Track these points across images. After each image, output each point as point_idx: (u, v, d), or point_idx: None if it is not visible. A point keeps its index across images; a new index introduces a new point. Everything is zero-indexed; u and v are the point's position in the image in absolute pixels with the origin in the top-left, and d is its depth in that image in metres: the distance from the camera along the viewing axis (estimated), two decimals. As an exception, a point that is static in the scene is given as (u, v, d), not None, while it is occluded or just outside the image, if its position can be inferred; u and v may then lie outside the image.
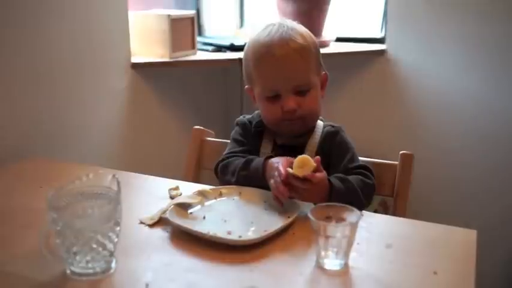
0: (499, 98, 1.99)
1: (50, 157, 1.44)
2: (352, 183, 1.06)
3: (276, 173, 1.01)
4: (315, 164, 0.99)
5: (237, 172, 1.13)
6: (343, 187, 1.04)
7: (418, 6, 2.05)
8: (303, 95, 1.13)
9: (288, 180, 0.99)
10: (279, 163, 1.03)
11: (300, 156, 1.00)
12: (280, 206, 1.02)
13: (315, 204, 1.01)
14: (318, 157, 1.01)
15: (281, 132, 1.19)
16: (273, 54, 1.12)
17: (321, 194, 1.02)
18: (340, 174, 1.08)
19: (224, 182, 1.16)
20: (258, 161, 1.12)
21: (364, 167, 1.12)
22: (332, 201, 0.98)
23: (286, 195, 0.99)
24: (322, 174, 1.00)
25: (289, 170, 0.99)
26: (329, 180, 1.03)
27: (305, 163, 0.98)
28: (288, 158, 1.05)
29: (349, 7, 2.39)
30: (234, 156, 1.19)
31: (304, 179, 0.98)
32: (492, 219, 2.03)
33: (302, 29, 1.17)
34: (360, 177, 1.09)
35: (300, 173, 0.98)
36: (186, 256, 0.88)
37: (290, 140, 1.19)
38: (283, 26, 1.15)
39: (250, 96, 1.22)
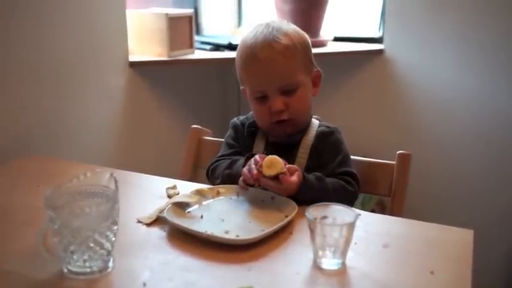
0: (496, 96, 2.00)
1: (48, 155, 1.44)
2: (326, 183, 1.07)
3: (248, 167, 1.04)
4: (284, 169, 1.01)
5: (222, 171, 1.15)
6: (316, 183, 1.06)
7: (415, 5, 2.06)
8: (290, 94, 1.13)
9: (257, 177, 1.02)
10: (255, 157, 1.05)
11: (269, 156, 1.02)
12: (244, 189, 1.06)
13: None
14: (289, 166, 1.03)
15: (274, 134, 1.19)
16: (256, 56, 1.12)
17: (289, 192, 1.04)
18: (318, 173, 1.09)
19: (213, 185, 1.17)
20: (241, 160, 1.13)
21: (350, 173, 1.12)
22: (300, 194, 1.02)
23: (252, 181, 1.03)
24: (292, 180, 1.02)
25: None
26: (303, 174, 1.05)
27: (273, 164, 1.01)
28: (263, 155, 1.06)
29: (347, 6, 2.40)
30: (223, 159, 1.20)
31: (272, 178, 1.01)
32: (489, 219, 2.03)
33: (290, 28, 1.16)
34: (341, 182, 1.10)
35: (266, 172, 1.01)
36: (184, 255, 0.88)
37: (282, 138, 1.18)
38: (269, 27, 1.14)
39: (245, 97, 1.22)
